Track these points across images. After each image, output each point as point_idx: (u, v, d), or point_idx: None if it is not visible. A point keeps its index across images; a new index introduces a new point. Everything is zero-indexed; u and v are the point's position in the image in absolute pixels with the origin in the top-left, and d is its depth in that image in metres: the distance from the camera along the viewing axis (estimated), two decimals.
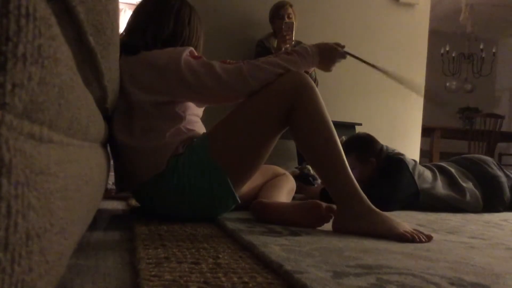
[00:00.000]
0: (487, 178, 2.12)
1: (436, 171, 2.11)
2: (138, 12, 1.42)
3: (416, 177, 1.97)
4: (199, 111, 1.40)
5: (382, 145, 2.12)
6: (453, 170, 2.13)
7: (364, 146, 2.09)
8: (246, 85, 1.26)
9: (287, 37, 2.71)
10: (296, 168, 2.50)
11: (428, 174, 2.04)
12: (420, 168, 2.04)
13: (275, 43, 2.92)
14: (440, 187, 2.02)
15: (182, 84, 1.25)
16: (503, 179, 2.15)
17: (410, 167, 1.99)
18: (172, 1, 1.41)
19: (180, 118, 1.29)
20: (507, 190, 2.14)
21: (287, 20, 2.86)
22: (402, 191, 1.91)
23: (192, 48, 1.31)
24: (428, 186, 1.99)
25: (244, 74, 1.25)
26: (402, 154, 2.06)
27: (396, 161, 2.00)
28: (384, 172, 1.98)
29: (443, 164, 2.22)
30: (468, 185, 2.07)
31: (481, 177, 2.12)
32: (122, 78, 1.26)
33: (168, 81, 1.25)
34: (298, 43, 3.13)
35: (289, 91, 1.23)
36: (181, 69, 1.24)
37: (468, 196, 2.03)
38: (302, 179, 2.20)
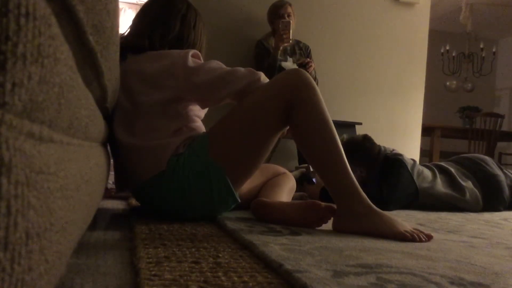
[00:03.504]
0: (487, 177, 2.13)
1: (436, 170, 2.11)
2: (144, 14, 1.43)
3: (415, 177, 1.97)
4: (201, 112, 1.40)
5: (380, 147, 2.12)
6: (452, 170, 2.13)
7: (362, 150, 2.08)
8: (253, 74, 1.28)
9: (285, 36, 2.71)
10: (296, 167, 2.50)
11: (427, 173, 2.05)
12: (419, 167, 2.05)
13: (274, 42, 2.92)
14: (440, 186, 2.03)
15: (188, 73, 1.26)
16: (502, 178, 2.16)
17: (409, 166, 1.99)
18: (179, 4, 1.42)
19: (183, 117, 1.30)
20: (506, 189, 2.14)
21: (285, 19, 2.86)
22: (401, 191, 1.91)
23: (197, 51, 1.33)
24: (427, 185, 2.00)
25: (246, 69, 1.30)
26: (401, 154, 2.06)
27: (394, 161, 2.00)
28: (383, 173, 1.99)
29: (442, 163, 2.22)
30: (467, 184, 2.08)
31: (481, 176, 2.13)
32: (129, 77, 1.27)
33: (174, 73, 1.26)
34: (298, 42, 3.13)
35: (289, 89, 1.23)
36: (187, 62, 1.27)
37: (467, 195, 2.03)
38: (305, 178, 2.20)
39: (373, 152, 2.09)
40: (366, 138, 2.16)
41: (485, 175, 2.14)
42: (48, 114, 0.34)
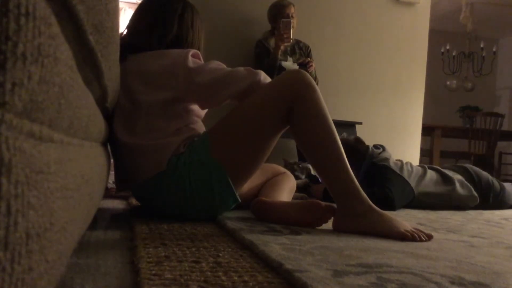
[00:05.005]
0: (474, 170, 2.25)
1: (426, 166, 2.21)
2: (141, 15, 1.42)
3: (406, 177, 2.00)
4: (202, 112, 1.40)
5: (367, 152, 2.13)
6: (440, 168, 2.24)
7: (354, 152, 2.10)
8: (253, 74, 1.29)
9: (285, 36, 2.71)
10: (284, 159, 2.50)
11: (417, 170, 2.12)
12: (408, 167, 2.08)
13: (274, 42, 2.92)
14: (429, 179, 2.09)
15: (188, 74, 1.26)
16: (484, 173, 2.28)
17: (397, 169, 2.01)
18: (176, 4, 1.41)
19: (183, 117, 1.30)
20: (489, 177, 2.25)
21: (285, 19, 2.85)
22: (396, 193, 1.92)
23: (196, 51, 1.33)
24: (419, 180, 2.06)
25: (246, 69, 1.31)
26: (387, 159, 2.07)
27: (381, 168, 2.02)
28: (374, 180, 2.00)
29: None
30: (456, 176, 2.16)
31: (469, 171, 2.24)
32: (129, 77, 1.27)
33: (175, 74, 1.26)
34: (298, 42, 3.13)
35: (290, 89, 1.23)
36: (188, 62, 1.27)
37: (457, 185, 2.10)
38: (310, 177, 2.21)
39: (364, 155, 2.12)
40: (358, 140, 2.18)
41: (473, 170, 2.26)
42: (48, 114, 0.34)
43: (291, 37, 2.74)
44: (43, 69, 0.30)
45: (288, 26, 2.68)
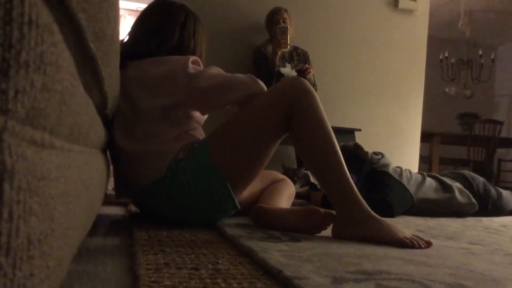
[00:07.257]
0: (472, 177, 2.26)
1: (425, 173, 2.21)
2: (142, 22, 1.43)
3: (405, 183, 2.01)
4: (201, 118, 1.41)
5: (366, 157, 2.14)
6: (439, 175, 2.25)
7: (353, 157, 2.11)
8: (253, 81, 1.29)
9: (282, 41, 2.72)
10: (283, 168, 2.50)
11: (416, 176, 2.13)
12: (408, 174, 2.09)
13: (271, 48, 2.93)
14: (429, 186, 2.09)
15: (188, 80, 1.26)
16: (480, 179, 2.29)
17: (397, 175, 2.02)
18: (177, 13, 1.42)
19: (183, 123, 1.30)
20: (486, 184, 2.26)
21: (281, 24, 2.87)
22: (395, 200, 1.92)
23: (196, 57, 1.33)
24: (418, 187, 2.06)
25: (246, 75, 1.31)
26: (386, 165, 2.08)
27: (380, 174, 2.03)
28: (373, 186, 2.01)
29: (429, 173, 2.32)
30: (455, 184, 2.17)
31: (467, 179, 2.25)
32: (129, 84, 1.27)
33: (175, 80, 1.27)
34: (296, 48, 3.14)
35: (288, 96, 1.24)
36: (187, 68, 1.27)
37: (457, 192, 2.11)
38: (309, 184, 2.21)
39: (364, 160, 2.13)
40: (357, 146, 2.19)
41: (471, 176, 2.27)
42: (50, 120, 0.34)
43: (288, 43, 2.76)
44: (45, 76, 0.31)
45: (284, 32, 2.70)
